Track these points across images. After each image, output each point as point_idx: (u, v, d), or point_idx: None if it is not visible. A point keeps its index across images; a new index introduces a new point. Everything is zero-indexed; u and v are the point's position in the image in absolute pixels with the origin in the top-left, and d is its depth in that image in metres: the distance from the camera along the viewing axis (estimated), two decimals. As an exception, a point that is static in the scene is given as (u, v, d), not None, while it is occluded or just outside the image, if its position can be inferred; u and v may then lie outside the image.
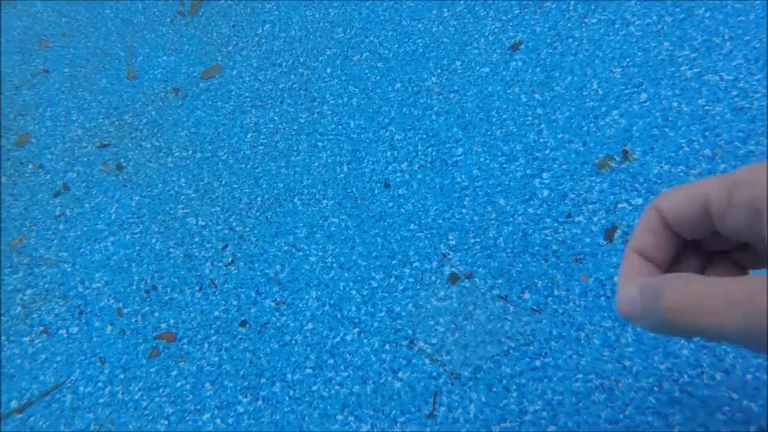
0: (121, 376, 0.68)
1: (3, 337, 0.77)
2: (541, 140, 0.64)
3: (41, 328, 0.76)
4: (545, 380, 0.51)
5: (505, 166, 0.64)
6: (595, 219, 0.58)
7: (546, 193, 0.61)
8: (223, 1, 1.03)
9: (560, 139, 0.63)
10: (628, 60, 0.66)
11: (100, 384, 0.68)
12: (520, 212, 0.61)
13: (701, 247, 0.31)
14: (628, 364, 0.49)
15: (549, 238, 0.58)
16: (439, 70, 0.76)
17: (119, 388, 0.67)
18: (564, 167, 0.61)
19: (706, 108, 0.60)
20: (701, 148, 0.58)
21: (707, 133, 0.58)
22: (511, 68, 0.72)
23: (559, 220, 0.58)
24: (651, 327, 0.26)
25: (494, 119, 0.68)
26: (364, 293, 0.63)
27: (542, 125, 0.65)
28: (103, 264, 0.79)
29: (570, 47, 0.70)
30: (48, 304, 0.78)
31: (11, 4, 1.28)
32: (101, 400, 0.67)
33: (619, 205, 0.57)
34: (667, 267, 0.30)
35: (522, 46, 0.73)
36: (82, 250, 0.82)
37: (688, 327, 0.23)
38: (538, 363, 0.52)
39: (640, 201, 0.57)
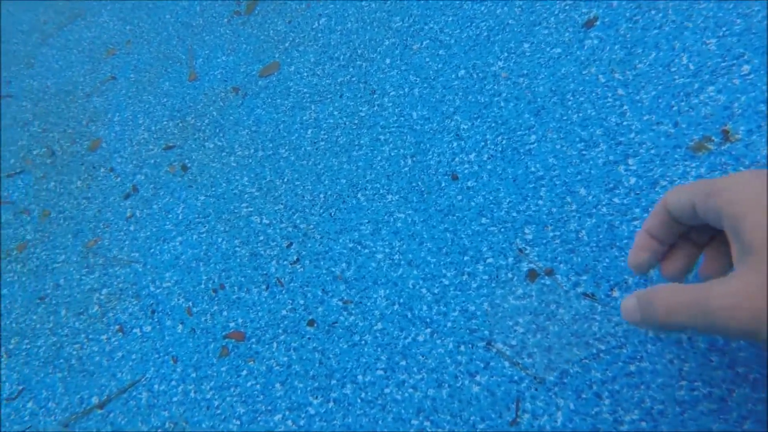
0: (193, 374, 0.66)
1: (82, 336, 0.77)
2: (624, 123, 0.57)
3: (117, 326, 0.75)
4: (642, 387, 0.45)
5: (584, 152, 0.58)
6: (691, 207, 0.50)
7: (633, 180, 0.54)
8: (279, 0, 1.00)
9: (647, 122, 0.56)
10: (724, 29, 0.58)
11: (173, 382, 0.67)
12: (604, 202, 0.54)
13: (696, 233, 0.40)
14: (742, 371, 0.42)
15: (639, 229, 0.51)
16: (505, 54, 0.70)
17: (191, 387, 0.65)
18: (653, 152, 0.54)
19: (819, 79, 0.51)
20: (815, 125, 0.50)
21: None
22: (586, 47, 0.65)
23: (650, 210, 0.51)
24: (651, 328, 0.36)
25: (570, 103, 0.62)
26: (435, 291, 0.58)
27: (625, 107, 0.58)
28: (173, 263, 0.77)
29: (653, 20, 0.63)
30: (122, 303, 0.77)
31: (82, 17, 1.29)
32: (175, 399, 0.65)
33: (719, 192, 0.50)
34: (668, 245, 0.41)
35: (597, 23, 0.66)
36: (152, 250, 0.81)
37: (677, 325, 0.33)
38: (632, 368, 0.46)
39: (743, 186, 0.49)
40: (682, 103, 0.55)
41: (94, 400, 0.70)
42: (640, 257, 0.41)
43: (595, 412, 0.46)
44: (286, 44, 0.93)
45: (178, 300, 0.74)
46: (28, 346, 0.81)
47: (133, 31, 1.17)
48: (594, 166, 0.56)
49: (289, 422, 0.58)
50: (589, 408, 0.46)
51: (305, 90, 0.85)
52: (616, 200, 0.54)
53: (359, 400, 0.55)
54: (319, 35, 0.91)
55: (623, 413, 0.45)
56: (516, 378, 0.50)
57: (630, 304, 0.37)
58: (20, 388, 0.77)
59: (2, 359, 0.81)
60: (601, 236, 0.53)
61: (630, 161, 0.55)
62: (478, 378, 0.51)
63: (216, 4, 1.08)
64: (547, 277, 0.53)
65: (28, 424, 0.72)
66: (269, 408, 0.60)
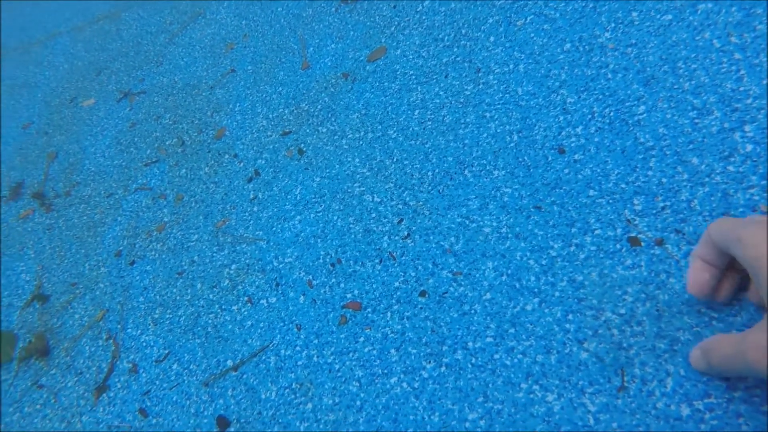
0: (315, 341, 0.75)
1: (216, 306, 0.89)
2: (741, 89, 0.57)
3: (246, 298, 0.86)
4: (757, 354, 0.46)
5: (697, 121, 0.59)
6: (816, 173, 0.50)
7: (750, 147, 0.54)
8: (383, -17, 1.06)
9: (766, 86, 0.56)
10: None
11: (298, 348, 0.76)
12: (718, 171, 0.55)
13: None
14: None
15: (756, 197, 0.52)
16: (612, 24, 0.71)
17: (314, 352, 0.74)
18: (772, 117, 0.54)
19: None
20: None
21: None
22: (699, 11, 0.64)
23: (763, 183, 0.52)
24: (716, 375, 0.44)
25: (681, 71, 0.62)
26: (543, 263, 0.62)
27: (742, 71, 0.58)
28: (293, 240, 0.87)
29: (775, -22, 0.61)
30: (250, 277, 0.88)
31: (203, 15, 1.44)
32: (300, 362, 0.74)
33: None
34: (723, 268, 0.45)
35: (713, -15, 0.65)
36: (274, 228, 0.91)
37: (733, 372, 0.41)
38: (747, 335, 0.47)
39: None
40: (808, 64, 0.54)
41: (229, 363, 0.81)
42: (702, 278, 0.45)
43: (707, 378, 0.48)
44: (392, 29, 0.99)
45: (300, 274, 0.83)
46: (171, 316, 0.94)
47: (249, 26, 1.29)
48: (708, 135, 0.57)
49: (405, 384, 0.64)
50: (701, 374, 0.48)
51: (411, 72, 0.91)
52: (731, 168, 0.54)
53: (470, 365, 0.61)
54: (424, 17, 0.96)
55: (737, 379, 0.46)
56: (625, 345, 0.53)
57: (695, 355, 0.46)
58: (166, 352, 0.90)
59: (150, 327, 0.96)
60: (714, 205, 0.54)
61: (747, 128, 0.55)
62: (586, 345, 0.55)
63: (323, -6, 1.17)
64: (657, 247, 0.55)
65: (174, 382, 0.85)
66: (385, 371, 0.67)
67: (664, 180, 0.57)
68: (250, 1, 1.34)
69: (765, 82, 0.55)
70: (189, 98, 1.28)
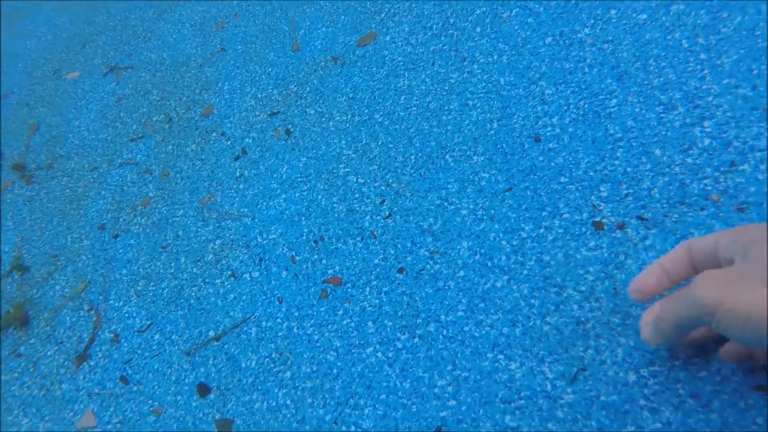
0: (296, 313, 0.81)
1: (200, 279, 0.94)
2: (703, 87, 0.64)
3: (229, 272, 0.92)
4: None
5: (662, 115, 0.65)
6: (762, 167, 0.57)
7: (707, 141, 0.61)
8: (376, -31, 1.11)
9: (726, 85, 0.62)
10: (810, -7, 0.63)
11: (279, 320, 0.82)
12: (677, 162, 0.62)
13: None
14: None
15: (709, 187, 0.59)
16: (592, 21, 0.77)
17: (295, 324, 0.80)
18: (729, 114, 0.61)
19: None
20: None
21: None
22: (671, 12, 0.71)
23: (722, 169, 0.58)
24: (670, 337, 0.46)
25: (652, 68, 0.69)
26: (514, 243, 0.68)
27: (706, 71, 0.65)
28: (278, 218, 0.92)
29: (741, -15, 0.68)
30: (234, 252, 0.93)
31: (192, -9, 1.48)
32: (280, 333, 0.80)
33: (792, 152, 0.56)
34: (672, 284, 0.49)
35: (685, -11, 0.72)
36: (259, 206, 0.96)
37: (682, 321, 0.44)
38: (691, 311, 0.54)
39: (816, 146, 0.55)
40: (762, 67, 0.61)
41: (211, 333, 0.87)
42: (646, 284, 0.49)
43: (654, 349, 0.54)
44: (382, 15, 1.05)
45: (283, 250, 0.89)
46: (154, 288, 1.00)
47: (240, 5, 1.34)
48: (671, 128, 0.64)
49: (379, 354, 0.71)
50: (647, 345, 0.55)
51: (399, 58, 0.96)
52: (689, 160, 0.61)
53: (441, 336, 0.67)
54: (414, 6, 1.02)
55: (679, 349, 0.53)
56: (583, 319, 0.59)
57: (647, 330, 0.49)
58: (149, 322, 0.95)
59: (132, 299, 1.01)
60: (672, 193, 0.60)
61: (706, 123, 0.62)
62: (548, 319, 0.61)
63: (316, -23, 1.22)
64: (618, 231, 0.61)
65: (156, 352, 0.91)
66: (362, 342, 0.73)
67: (629, 169, 0.64)
68: (242, -20, 1.39)
69: (725, 81, 0.62)
70: (177, 75, 1.33)
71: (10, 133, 1.53)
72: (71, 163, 1.33)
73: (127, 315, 0.98)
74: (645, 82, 0.67)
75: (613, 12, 0.76)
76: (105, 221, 1.15)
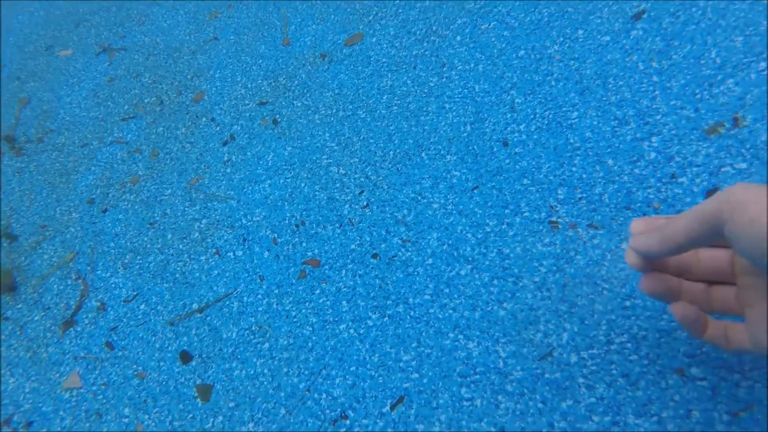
0: (276, 291, 0.85)
1: (186, 255, 0.98)
2: (654, 106, 0.70)
3: (214, 250, 0.96)
4: (633, 318, 0.60)
5: (617, 129, 0.71)
6: (698, 181, 0.64)
7: (653, 155, 0.67)
8: (367, -27, 1.15)
9: (672, 106, 0.69)
10: (751, 28, 0.69)
11: (259, 296, 0.86)
12: (626, 172, 0.68)
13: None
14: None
15: (652, 196, 0.65)
16: (561, 38, 0.83)
17: (274, 300, 0.85)
18: (673, 132, 0.67)
19: (825, 78, 0.62)
20: (813, 117, 0.61)
21: (821, 103, 0.61)
22: (631, 37, 0.77)
23: (663, 180, 0.65)
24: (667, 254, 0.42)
25: (611, 86, 0.75)
26: (479, 236, 0.74)
27: (657, 92, 0.71)
28: (262, 202, 0.97)
29: (693, 16, 0.74)
30: (219, 232, 0.98)
31: (187, -21, 1.50)
32: (260, 308, 0.85)
33: (723, 169, 0.63)
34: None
35: (645, 16, 0.78)
36: (245, 189, 1.00)
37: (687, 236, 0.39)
38: (628, 303, 0.61)
39: (744, 165, 0.62)
40: (705, 92, 0.67)
41: (195, 306, 0.91)
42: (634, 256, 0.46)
43: (593, 334, 0.61)
44: (370, 17, 1.09)
45: (266, 232, 0.93)
46: (141, 261, 1.03)
47: (234, -3, 1.37)
48: (623, 141, 0.70)
49: (352, 330, 0.76)
50: (588, 331, 0.61)
51: (384, 60, 1.01)
52: (636, 171, 0.67)
53: (408, 317, 0.73)
54: (400, 11, 1.06)
55: (614, 336, 0.59)
56: (535, 306, 0.65)
57: (645, 241, 0.42)
58: (135, 293, 0.99)
59: (119, 270, 1.04)
60: (619, 199, 0.67)
61: (653, 139, 0.68)
62: (505, 305, 0.67)
63: (309, -25, 1.26)
64: (571, 230, 0.68)
65: (141, 321, 0.95)
66: (336, 319, 0.78)
67: (584, 176, 0.70)
68: (238, -28, 1.42)
69: (672, 102, 0.69)
70: (170, 60, 1.35)
71: (1, 106, 1.54)
72: (62, 138, 1.35)
73: (113, 285, 1.01)
74: (604, 98, 0.73)
75: (580, 32, 0.81)
76: (94, 196, 1.18)
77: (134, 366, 0.89)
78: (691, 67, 0.70)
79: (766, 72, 0.65)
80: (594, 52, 0.79)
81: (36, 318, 1.04)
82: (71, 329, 0.99)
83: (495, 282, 0.70)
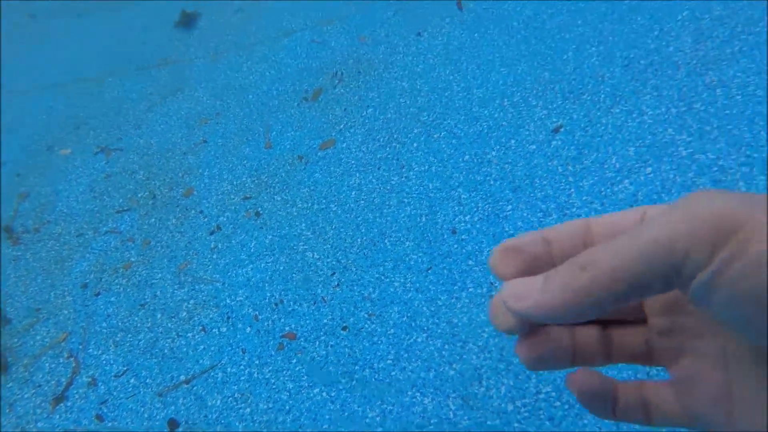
0: (257, 362, 0.94)
1: (174, 333, 1.07)
2: (570, 201, 0.86)
3: (201, 327, 1.05)
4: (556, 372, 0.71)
5: (542, 219, 0.86)
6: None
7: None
8: (338, 90, 1.34)
9: (584, 201, 0.84)
10: (640, 142, 0.87)
11: (242, 366, 0.95)
12: (549, 253, 0.82)
13: None
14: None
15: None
16: (498, 146, 1.00)
17: (255, 370, 0.93)
18: (584, 221, 0.82)
19: (694, 180, 0.79)
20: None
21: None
22: (552, 146, 0.94)
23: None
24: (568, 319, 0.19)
25: (537, 185, 0.90)
26: (432, 309, 0.86)
27: (572, 190, 0.86)
28: (245, 284, 1.07)
29: (598, 131, 0.92)
30: (205, 311, 1.07)
31: (182, 91, 1.67)
32: (243, 378, 0.93)
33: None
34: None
35: (562, 129, 0.95)
36: (229, 273, 1.11)
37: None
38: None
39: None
40: (608, 190, 0.83)
41: (182, 377, 0.99)
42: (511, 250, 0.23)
43: (525, 387, 0.72)
44: (341, 126, 1.26)
45: (248, 310, 1.03)
46: (131, 339, 1.11)
47: (222, 106, 1.54)
48: (546, 229, 0.85)
49: (324, 393, 0.85)
50: (521, 384, 0.72)
51: (353, 162, 1.16)
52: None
53: (374, 379, 0.83)
54: (366, 121, 1.23)
55: (542, 386, 0.71)
56: (479, 365, 0.76)
57: (503, 318, 0.22)
58: (125, 368, 1.06)
59: (111, 348, 1.11)
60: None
61: (569, 227, 0.83)
62: (454, 365, 0.78)
63: (289, 90, 1.44)
64: (506, 301, 0.80)
65: (131, 393, 1.01)
66: (310, 384, 0.87)
67: (516, 257, 0.84)
68: (226, 85, 1.60)
69: (584, 198, 0.84)
70: (163, 159, 1.49)
71: (1, 199, 1.63)
72: (58, 228, 1.45)
73: (105, 362, 1.08)
74: (531, 195, 0.89)
75: (512, 141, 0.98)
76: (88, 281, 1.27)
77: (124, 434, 0.95)
78: (597, 170, 0.86)
79: (652, 175, 0.81)
80: (523, 158, 0.95)
81: (26, 395, 1.09)
82: (62, 404, 1.04)
83: (446, 347, 0.81)
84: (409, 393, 0.78)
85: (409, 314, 0.87)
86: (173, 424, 0.93)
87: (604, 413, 0.23)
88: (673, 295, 0.21)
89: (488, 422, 0.70)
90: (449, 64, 1.07)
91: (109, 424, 0.97)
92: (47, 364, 1.13)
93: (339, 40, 1.39)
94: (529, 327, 0.23)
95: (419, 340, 0.83)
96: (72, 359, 1.12)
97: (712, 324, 0.19)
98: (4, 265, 1.41)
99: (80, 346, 1.13)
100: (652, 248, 0.17)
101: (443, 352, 0.80)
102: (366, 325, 0.89)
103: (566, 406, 0.66)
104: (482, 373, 0.74)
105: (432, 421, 0.74)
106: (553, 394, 0.69)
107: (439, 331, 0.82)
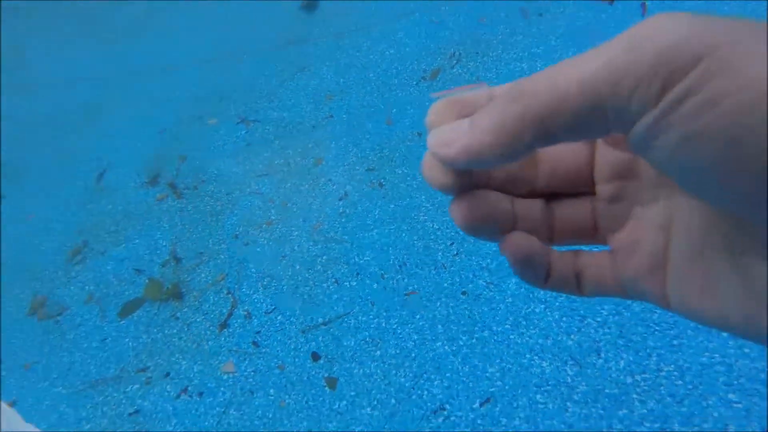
0: (384, 314, 0.96)
1: (311, 282, 1.10)
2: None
3: (334, 280, 1.08)
4: (679, 353, 0.67)
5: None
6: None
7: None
8: (455, 70, 1.29)
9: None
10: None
11: (371, 316, 0.97)
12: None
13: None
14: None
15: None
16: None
17: (383, 320, 0.95)
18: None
19: None
20: None
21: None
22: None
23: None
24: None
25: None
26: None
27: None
28: (371, 246, 1.09)
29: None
30: (337, 266, 1.10)
31: (308, 69, 1.68)
32: (372, 326, 0.96)
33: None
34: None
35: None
36: (357, 236, 1.13)
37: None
38: (675, 342, 0.68)
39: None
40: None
41: (320, 320, 1.03)
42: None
43: (646, 363, 0.68)
44: (456, 108, 1.22)
45: (375, 269, 1.05)
46: (276, 284, 1.16)
47: (346, 83, 1.53)
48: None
49: (446, 347, 0.85)
50: (641, 359, 0.69)
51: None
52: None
53: (493, 340, 0.82)
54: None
55: (663, 366, 0.67)
56: (597, 339, 0.74)
57: (435, 170, 0.17)
58: (273, 307, 1.12)
59: (260, 290, 1.17)
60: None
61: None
62: (572, 336, 0.76)
63: (408, 69, 1.40)
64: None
65: (279, 327, 1.07)
66: (433, 338, 0.88)
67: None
68: (349, 64, 1.58)
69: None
70: (295, 131, 1.51)
71: (165, 160, 1.73)
72: (211, 187, 1.52)
73: (256, 300, 1.14)
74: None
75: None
76: (238, 233, 1.33)
77: (275, 360, 1.00)
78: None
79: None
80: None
81: (198, 320, 1.18)
82: (225, 330, 1.12)
83: (564, 319, 0.78)
84: (527, 356, 0.77)
85: (526, 286, 0.85)
86: (316, 356, 0.97)
87: (536, 281, 0.19)
88: (626, 159, 0.16)
89: (606, 390, 0.68)
90: (572, 46, 0.99)
91: (264, 350, 1.03)
92: (211, 297, 1.21)
93: (457, 21, 1.33)
94: (467, 183, 0.18)
95: (537, 310, 0.81)
96: (230, 295, 1.19)
97: (664, 189, 0.16)
98: (172, 215, 1.50)
99: (236, 286, 1.20)
100: (591, 84, 0.12)
101: (561, 324, 0.77)
102: (484, 292, 0.88)
103: (689, 386, 0.62)
104: (601, 347, 0.72)
105: (550, 383, 0.72)
106: (675, 373, 0.65)
107: (557, 304, 0.80)
